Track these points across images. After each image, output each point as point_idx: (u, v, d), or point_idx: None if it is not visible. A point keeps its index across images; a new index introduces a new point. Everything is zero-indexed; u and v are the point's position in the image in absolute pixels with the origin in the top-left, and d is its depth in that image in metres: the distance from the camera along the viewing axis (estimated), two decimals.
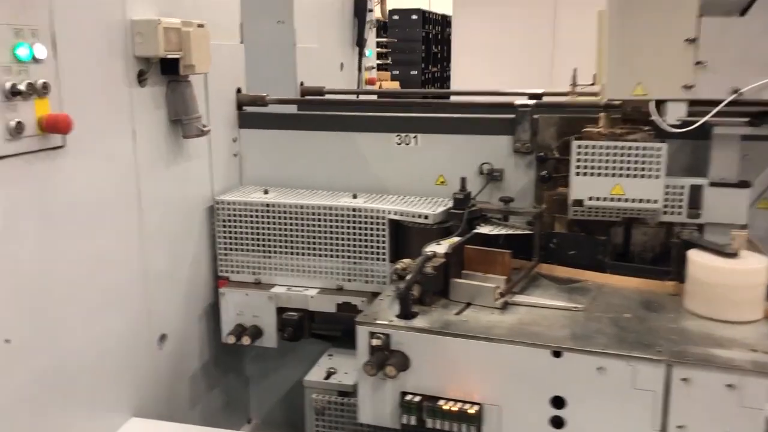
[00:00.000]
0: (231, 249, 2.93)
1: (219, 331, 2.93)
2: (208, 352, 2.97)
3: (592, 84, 3.66)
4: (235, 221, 2.90)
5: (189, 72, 2.53)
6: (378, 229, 2.77)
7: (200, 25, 2.55)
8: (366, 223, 2.78)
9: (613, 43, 2.43)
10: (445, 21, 14.16)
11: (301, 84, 3.81)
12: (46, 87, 1.94)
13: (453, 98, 4.12)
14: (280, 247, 2.88)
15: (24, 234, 1.94)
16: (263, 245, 2.90)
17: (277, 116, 3.19)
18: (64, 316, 2.10)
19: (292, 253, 2.88)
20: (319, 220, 2.83)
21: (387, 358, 2.19)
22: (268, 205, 2.87)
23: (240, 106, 3.14)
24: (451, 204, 2.73)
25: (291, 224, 2.86)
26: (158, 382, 2.61)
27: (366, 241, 2.79)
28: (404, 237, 2.80)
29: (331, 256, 2.84)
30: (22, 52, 1.87)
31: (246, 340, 2.81)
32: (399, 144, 3.00)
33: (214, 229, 2.93)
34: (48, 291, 2.03)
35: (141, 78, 2.42)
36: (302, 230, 2.85)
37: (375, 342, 2.21)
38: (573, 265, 2.66)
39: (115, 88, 2.32)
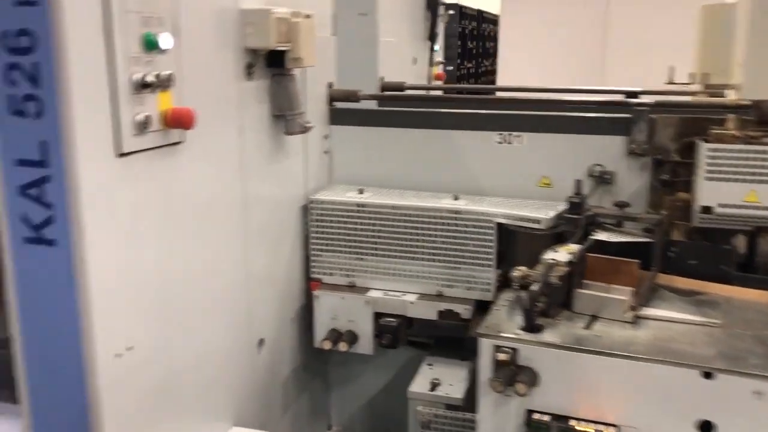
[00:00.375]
0: (324, 250, 2.80)
1: (310, 335, 2.81)
2: (299, 357, 2.85)
3: (690, 83, 3.49)
4: (328, 221, 2.77)
5: (296, 65, 2.40)
6: (484, 234, 2.62)
7: (307, 16, 2.42)
8: (470, 226, 2.64)
9: (754, 40, 2.26)
10: (481, 16, 13.93)
11: (381, 79, 3.67)
12: (170, 79, 1.82)
13: (533, 96, 3.91)
14: (375, 249, 2.75)
15: (146, 235, 1.82)
16: (357, 247, 2.77)
17: (367, 112, 3.06)
18: (179, 322, 1.99)
19: (387, 256, 2.75)
20: (418, 222, 2.69)
21: (515, 374, 2.05)
22: (362, 205, 2.74)
23: (331, 101, 3.01)
24: (560, 208, 2.58)
25: (387, 225, 2.72)
26: (255, 390, 2.50)
27: (469, 245, 2.64)
28: (508, 242, 2.65)
29: (430, 260, 2.70)
30: (150, 41, 1.75)
31: (343, 346, 2.68)
32: (500, 143, 2.85)
33: (306, 229, 2.81)
34: (165, 295, 1.92)
35: (249, 71, 2.30)
36: (399, 232, 2.71)
37: (501, 357, 2.07)
38: (694, 276, 2.50)
39: (226, 81, 2.20)
